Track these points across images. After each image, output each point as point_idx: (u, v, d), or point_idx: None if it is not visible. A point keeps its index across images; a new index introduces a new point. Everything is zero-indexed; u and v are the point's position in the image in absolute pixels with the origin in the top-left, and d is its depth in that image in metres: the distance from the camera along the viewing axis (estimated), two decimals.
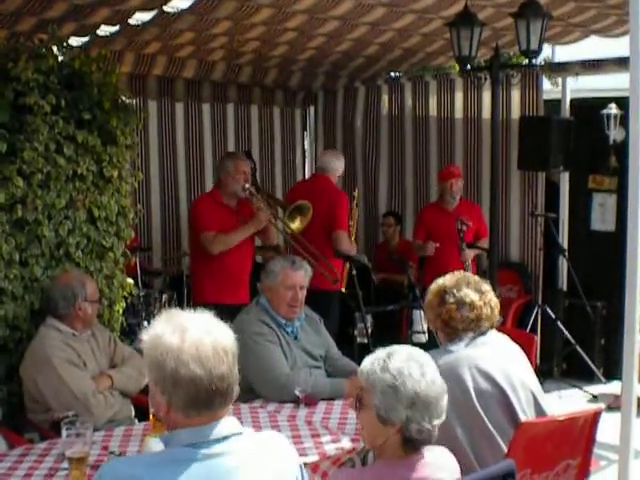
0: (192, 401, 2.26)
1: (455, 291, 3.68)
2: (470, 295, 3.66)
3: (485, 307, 3.67)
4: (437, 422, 2.79)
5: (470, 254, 7.54)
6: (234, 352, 2.32)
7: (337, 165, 7.31)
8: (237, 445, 2.30)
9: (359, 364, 2.97)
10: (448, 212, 7.85)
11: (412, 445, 2.79)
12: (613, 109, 7.86)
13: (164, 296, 7.46)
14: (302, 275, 4.85)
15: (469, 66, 6.83)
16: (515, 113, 8.37)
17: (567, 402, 7.22)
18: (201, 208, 6.23)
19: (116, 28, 6.54)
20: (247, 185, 6.15)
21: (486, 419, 3.48)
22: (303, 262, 4.97)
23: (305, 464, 2.62)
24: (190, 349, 2.25)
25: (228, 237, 6.05)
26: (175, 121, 8.69)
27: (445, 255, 7.60)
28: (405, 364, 2.81)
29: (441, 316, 3.70)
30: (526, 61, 6.73)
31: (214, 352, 2.26)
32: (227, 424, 2.31)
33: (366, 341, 5.83)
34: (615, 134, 7.87)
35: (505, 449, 3.41)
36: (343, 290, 6.64)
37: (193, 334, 2.28)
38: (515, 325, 7.95)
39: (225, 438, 2.29)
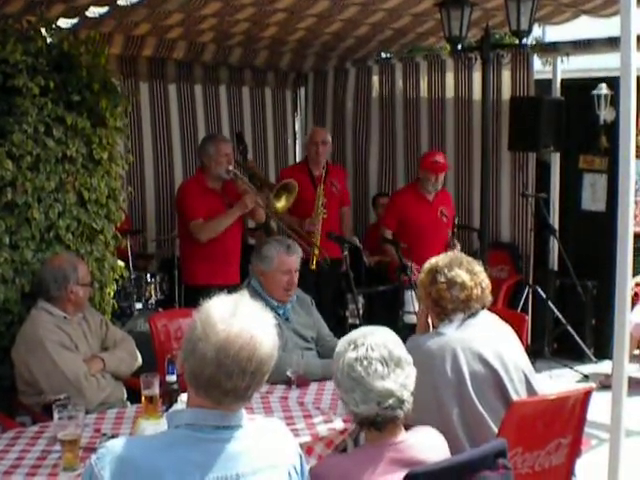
0: (194, 376, 2.27)
1: (446, 271, 3.69)
2: (462, 275, 3.67)
3: (476, 288, 3.67)
4: (366, 407, 2.77)
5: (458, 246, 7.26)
6: (260, 367, 2.29)
7: None
8: (236, 434, 2.30)
9: None
10: (428, 201, 7.54)
11: (367, 428, 2.84)
12: (603, 89, 7.86)
13: (156, 278, 7.46)
14: (296, 259, 4.87)
15: (459, 46, 6.82)
16: (506, 93, 8.36)
17: (558, 382, 7.25)
18: (187, 195, 6.22)
19: (105, 9, 6.50)
20: (230, 167, 6.14)
21: (478, 403, 3.49)
22: (296, 245, 4.98)
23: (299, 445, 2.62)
24: (221, 333, 2.24)
25: (215, 223, 6.05)
26: (168, 103, 8.66)
27: (429, 248, 6.76)
28: (340, 346, 2.90)
29: (431, 295, 3.72)
30: (516, 41, 6.72)
31: (238, 351, 2.23)
32: (232, 417, 2.31)
33: (358, 322, 5.84)
34: (605, 114, 7.87)
35: (497, 432, 3.43)
36: (313, 268, 6.65)
37: (237, 325, 2.26)
38: (506, 305, 7.96)
39: (225, 428, 2.29)
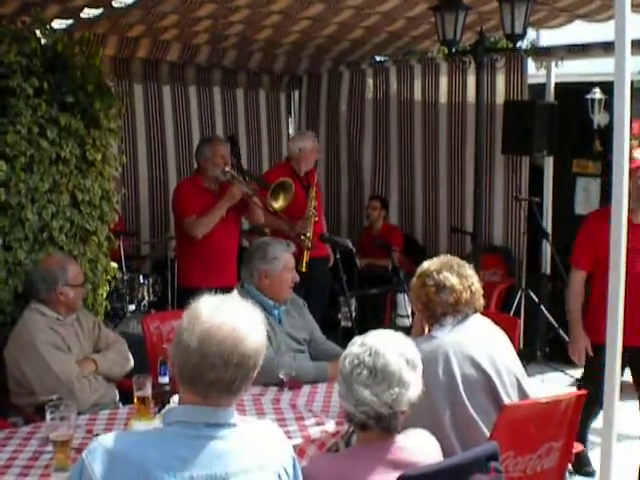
0: (180, 370, 2.31)
1: (435, 274, 3.71)
2: (450, 279, 3.68)
3: (465, 292, 3.68)
4: (345, 403, 2.81)
5: None
6: (245, 360, 2.30)
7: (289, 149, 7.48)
8: (226, 433, 2.31)
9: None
10: (633, 225, 4.83)
11: (359, 429, 2.86)
12: (597, 94, 7.87)
13: (149, 280, 7.45)
14: (292, 256, 4.93)
15: (454, 50, 6.83)
16: (500, 97, 8.37)
17: (550, 385, 7.25)
18: (182, 194, 6.22)
19: (100, 11, 6.49)
20: (227, 168, 6.14)
21: (470, 406, 3.49)
22: (290, 242, 5.05)
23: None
24: (205, 324, 2.28)
25: (206, 217, 6.03)
26: (162, 105, 8.67)
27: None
28: (357, 338, 2.91)
29: (420, 298, 3.74)
30: (511, 45, 6.73)
31: (221, 341, 2.26)
32: (222, 413, 2.32)
33: (350, 325, 5.84)
34: (599, 118, 7.88)
35: (488, 436, 3.43)
36: (303, 270, 6.64)
37: (220, 317, 2.30)
38: (499, 309, 7.96)
39: (217, 425, 2.30)
